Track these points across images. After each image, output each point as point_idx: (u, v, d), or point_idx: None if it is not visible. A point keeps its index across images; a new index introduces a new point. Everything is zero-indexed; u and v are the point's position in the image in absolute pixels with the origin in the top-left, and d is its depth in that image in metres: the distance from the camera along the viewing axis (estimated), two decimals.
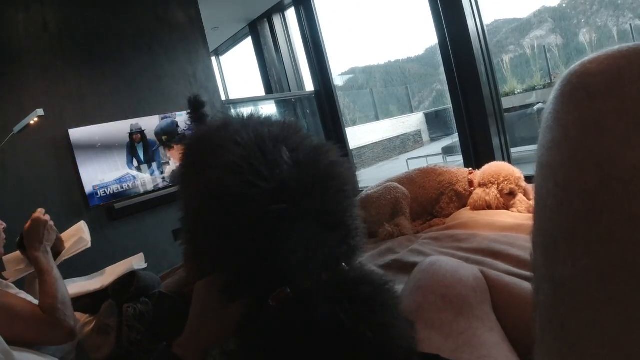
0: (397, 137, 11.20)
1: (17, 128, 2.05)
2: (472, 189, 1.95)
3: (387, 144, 10.74)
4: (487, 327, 0.82)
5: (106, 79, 2.89)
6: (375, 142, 10.33)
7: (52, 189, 2.61)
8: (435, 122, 12.91)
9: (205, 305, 0.68)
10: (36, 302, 1.10)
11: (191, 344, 0.66)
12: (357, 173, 0.80)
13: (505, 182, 1.84)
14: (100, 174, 2.82)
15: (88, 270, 1.52)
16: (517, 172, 1.87)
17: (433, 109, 14.32)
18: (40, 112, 2.00)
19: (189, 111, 1.09)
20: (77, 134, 2.70)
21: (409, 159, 8.52)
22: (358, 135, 9.53)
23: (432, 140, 12.16)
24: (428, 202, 1.99)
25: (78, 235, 1.38)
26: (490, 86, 2.58)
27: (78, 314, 1.28)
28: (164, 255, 2.80)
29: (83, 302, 1.31)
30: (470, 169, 2.04)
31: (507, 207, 1.85)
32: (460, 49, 2.55)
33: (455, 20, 2.53)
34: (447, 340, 0.75)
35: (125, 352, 1.10)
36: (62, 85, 2.70)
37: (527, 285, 0.95)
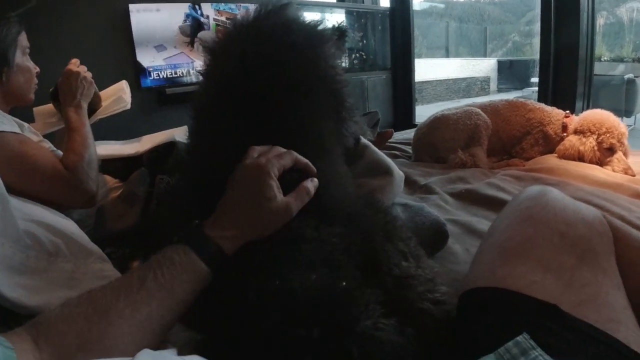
0: (464, 79, 10.51)
1: None
2: (565, 134, 1.68)
3: (451, 85, 10.11)
4: (614, 284, 0.62)
5: None
6: (440, 80, 9.72)
7: (104, 62, 2.50)
8: (508, 73, 12.03)
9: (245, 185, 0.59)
10: None
11: (228, 228, 0.56)
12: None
13: (607, 135, 1.56)
14: (155, 56, 2.70)
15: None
16: (622, 127, 1.59)
17: (508, 58, 13.26)
18: None
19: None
20: (137, 10, 2.56)
21: (470, 104, 7.98)
22: (422, 69, 8.94)
23: (500, 90, 11.36)
24: (509, 140, 1.72)
25: (117, 95, 1.24)
26: (588, 47, 2.38)
27: (106, 178, 1.17)
28: None
29: (113, 165, 1.19)
30: (568, 111, 1.74)
31: (601, 163, 1.58)
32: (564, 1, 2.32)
33: None
34: (566, 290, 0.56)
35: (149, 227, 0.98)
36: None
37: None
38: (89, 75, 1.14)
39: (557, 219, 0.64)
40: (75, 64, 1.14)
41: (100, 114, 1.21)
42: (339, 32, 0.83)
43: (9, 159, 0.85)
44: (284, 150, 0.61)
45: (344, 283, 0.49)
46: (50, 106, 1.24)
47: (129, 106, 1.27)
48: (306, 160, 0.62)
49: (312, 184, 0.61)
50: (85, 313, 0.45)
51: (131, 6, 2.52)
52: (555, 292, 0.55)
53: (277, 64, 0.67)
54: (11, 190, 0.73)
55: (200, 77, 0.77)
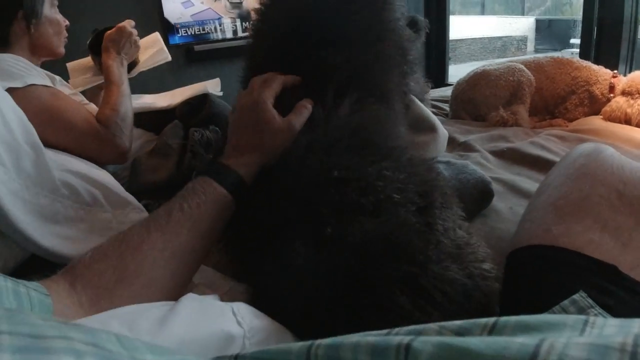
0: (500, 38, 10.01)
1: None
2: (612, 95, 1.57)
3: (486, 44, 9.66)
4: None
5: None
6: (474, 39, 9.30)
7: (131, 18, 2.48)
8: (546, 32, 11.41)
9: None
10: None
11: (240, 155, 0.61)
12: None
13: None
14: (182, 12, 2.66)
15: None
16: None
17: (547, 17, 12.56)
18: None
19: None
20: None
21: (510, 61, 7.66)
22: (456, 27, 8.55)
23: (537, 51, 10.81)
24: (553, 99, 1.63)
25: (158, 47, 1.23)
26: (633, 7, 2.19)
27: (139, 131, 1.17)
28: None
29: (147, 118, 1.18)
30: (616, 71, 1.63)
31: None
32: None
33: None
34: (624, 250, 0.52)
35: (183, 179, 0.98)
36: None
37: None
38: (138, 39, 1.16)
39: (613, 177, 0.60)
40: (129, 24, 1.14)
41: (142, 67, 1.21)
42: None
43: (40, 112, 0.85)
44: (272, 77, 0.65)
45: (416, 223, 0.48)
46: (84, 61, 1.23)
47: (169, 57, 1.26)
48: (294, 78, 0.66)
49: (307, 102, 0.64)
50: (119, 250, 0.47)
51: None
52: (612, 252, 0.52)
53: (347, 6, 0.69)
54: (42, 143, 0.73)
55: (256, 26, 0.78)
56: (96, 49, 1.15)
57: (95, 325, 0.36)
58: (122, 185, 0.90)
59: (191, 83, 2.27)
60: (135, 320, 0.38)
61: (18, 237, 0.66)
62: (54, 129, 0.87)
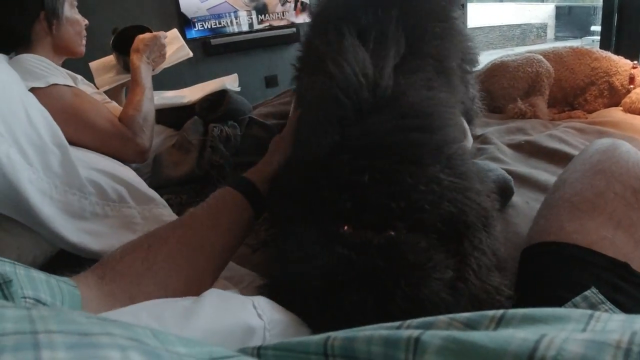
0: (518, 25, 9.76)
1: None
2: (632, 86, 1.53)
3: (505, 31, 9.44)
4: None
5: None
6: (492, 27, 9.09)
7: (149, 13, 2.51)
8: (567, 20, 11.07)
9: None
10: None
11: (269, 172, 0.66)
12: None
13: None
14: (198, 6, 2.67)
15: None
16: None
17: (567, 4, 12.19)
18: None
19: None
20: None
21: (529, 51, 7.47)
22: (474, 15, 8.38)
23: (557, 39, 10.50)
24: (572, 90, 1.60)
25: (178, 43, 1.25)
26: None
27: (160, 127, 1.20)
28: (254, 101, 2.71)
29: (167, 114, 1.21)
30: (636, 62, 1.59)
31: None
32: None
33: None
34: (637, 247, 0.53)
35: (204, 174, 1.00)
36: None
37: None
38: (166, 52, 1.20)
39: (629, 174, 0.60)
40: (164, 35, 1.17)
41: (165, 64, 1.22)
42: None
43: (62, 112, 0.87)
44: None
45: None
46: (106, 59, 1.26)
47: (191, 54, 1.28)
48: None
49: None
50: (147, 242, 0.51)
51: None
52: (625, 249, 0.52)
53: None
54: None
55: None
56: (119, 48, 1.18)
57: (126, 317, 0.39)
58: (145, 180, 0.93)
59: (209, 76, 2.30)
60: (163, 313, 0.40)
61: (47, 233, 0.70)
62: (77, 127, 0.90)
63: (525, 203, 0.83)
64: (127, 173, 0.90)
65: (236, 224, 0.59)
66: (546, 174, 0.96)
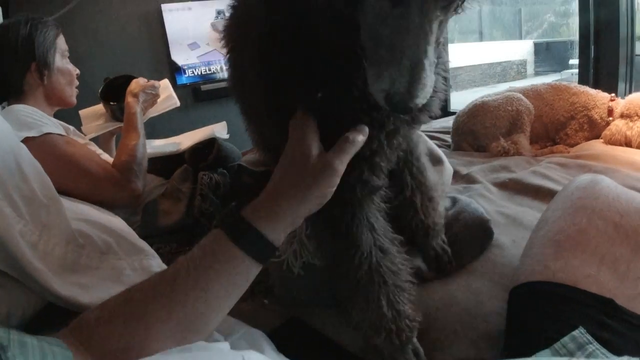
0: (499, 63, 10.12)
1: None
2: (611, 119, 1.60)
3: (486, 69, 9.77)
4: None
5: None
6: (474, 65, 9.42)
7: (141, 62, 2.58)
8: (545, 55, 11.50)
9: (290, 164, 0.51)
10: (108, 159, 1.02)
11: (265, 210, 0.49)
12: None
13: None
14: (189, 54, 2.76)
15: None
16: None
17: (545, 40, 12.70)
18: None
19: None
20: (169, 9, 2.64)
21: (510, 88, 7.69)
22: (455, 55, 8.68)
23: (537, 74, 10.87)
24: (553, 125, 1.66)
25: (167, 93, 1.28)
26: (628, 26, 2.23)
27: (150, 176, 1.20)
28: (244, 145, 2.74)
29: (156, 163, 1.22)
30: (613, 94, 1.66)
31: None
32: None
33: None
34: (622, 283, 0.54)
35: (194, 222, 1.01)
36: None
37: None
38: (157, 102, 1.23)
39: (610, 209, 0.62)
40: (157, 85, 1.21)
41: (153, 112, 1.25)
42: None
43: (56, 160, 0.88)
44: None
45: None
46: (95, 108, 1.29)
47: (178, 103, 1.31)
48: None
49: (356, 135, 0.51)
50: (123, 315, 0.44)
51: (163, 6, 2.58)
52: (610, 285, 0.53)
53: None
54: (59, 191, 0.76)
55: None
56: (108, 97, 1.21)
57: None
58: (135, 230, 0.92)
59: (199, 121, 2.34)
60: None
61: (37, 287, 0.68)
62: (71, 175, 0.91)
63: (512, 242, 0.84)
64: (117, 223, 0.90)
65: (237, 286, 0.48)
66: (531, 211, 0.98)
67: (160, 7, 2.58)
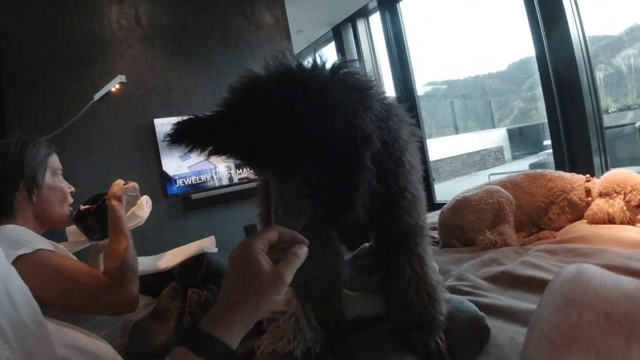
0: (477, 152, 10.66)
1: (97, 95, 2.15)
2: (590, 199, 1.66)
3: (465, 159, 10.26)
4: None
5: (193, 74, 2.92)
6: (453, 157, 9.89)
7: (133, 174, 2.65)
8: (519, 139, 12.21)
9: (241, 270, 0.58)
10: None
11: (224, 319, 0.55)
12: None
13: (634, 192, 1.54)
14: (180, 165, 2.86)
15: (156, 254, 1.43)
16: None
17: (517, 125, 13.55)
18: (122, 78, 2.01)
19: None
20: (161, 124, 2.76)
21: (491, 174, 7.96)
22: (435, 149, 9.15)
23: (515, 158, 11.42)
24: (535, 212, 1.70)
25: (131, 210, 1.26)
26: (592, 101, 2.41)
27: None
28: None
29: (145, 281, 1.19)
30: (588, 175, 1.74)
31: (633, 222, 1.54)
32: (561, 60, 2.40)
33: (556, 30, 2.39)
34: None
35: None
36: (150, 76, 2.75)
37: None
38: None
39: (599, 298, 0.62)
40: (141, 201, 1.23)
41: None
42: None
43: (49, 274, 0.88)
44: (271, 227, 0.61)
45: None
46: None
47: (142, 223, 1.28)
48: (293, 232, 0.61)
49: (301, 250, 0.59)
50: None
51: (156, 121, 2.72)
52: None
53: None
54: (53, 305, 0.75)
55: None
56: (80, 218, 1.21)
57: None
58: (122, 351, 0.89)
59: (190, 230, 2.35)
60: None
61: None
62: (65, 288, 0.90)
63: (511, 339, 0.81)
64: (103, 347, 0.86)
65: None
66: (525, 304, 0.96)
67: (152, 122, 2.71)
